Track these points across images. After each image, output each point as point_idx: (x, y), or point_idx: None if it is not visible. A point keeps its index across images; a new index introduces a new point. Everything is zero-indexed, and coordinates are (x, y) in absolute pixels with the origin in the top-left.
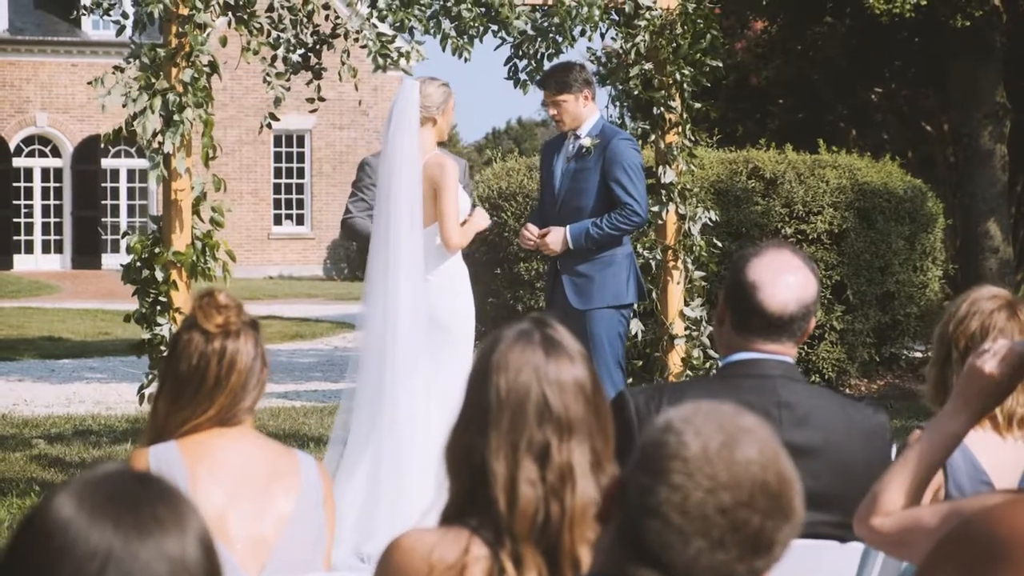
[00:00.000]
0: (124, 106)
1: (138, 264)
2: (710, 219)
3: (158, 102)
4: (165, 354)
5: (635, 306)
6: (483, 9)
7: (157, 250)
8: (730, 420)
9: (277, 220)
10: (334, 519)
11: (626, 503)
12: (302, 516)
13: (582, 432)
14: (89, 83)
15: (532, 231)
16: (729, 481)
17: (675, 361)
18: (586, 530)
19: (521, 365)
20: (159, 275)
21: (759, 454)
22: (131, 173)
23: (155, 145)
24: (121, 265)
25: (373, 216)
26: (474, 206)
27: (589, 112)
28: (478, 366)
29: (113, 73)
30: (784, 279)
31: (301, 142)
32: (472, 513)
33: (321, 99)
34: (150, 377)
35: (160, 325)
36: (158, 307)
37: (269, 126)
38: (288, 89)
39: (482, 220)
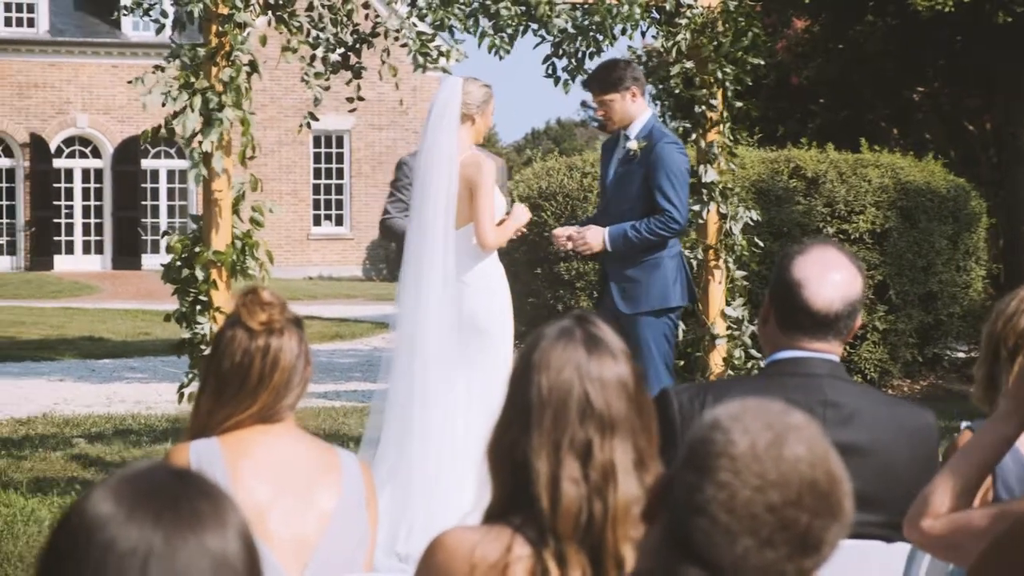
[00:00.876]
0: (163, 105)
1: (178, 263)
2: (751, 218)
3: (198, 101)
4: (208, 352)
5: (684, 308)
6: (522, 8)
7: (197, 249)
8: (778, 418)
9: (316, 221)
10: (376, 518)
11: (672, 501)
12: (344, 515)
13: (624, 430)
14: (129, 82)
15: (562, 232)
16: (777, 479)
17: (716, 361)
18: (629, 528)
19: (563, 363)
20: (199, 274)
21: (808, 452)
22: (171, 174)
23: (194, 144)
24: (161, 265)
25: (409, 215)
26: (512, 204)
27: (638, 109)
28: (520, 364)
29: (153, 73)
30: (830, 277)
31: (340, 143)
32: (515, 512)
33: (360, 99)
34: (190, 376)
35: (200, 324)
36: (198, 306)
37: (308, 126)
38: (327, 89)
39: (522, 216)
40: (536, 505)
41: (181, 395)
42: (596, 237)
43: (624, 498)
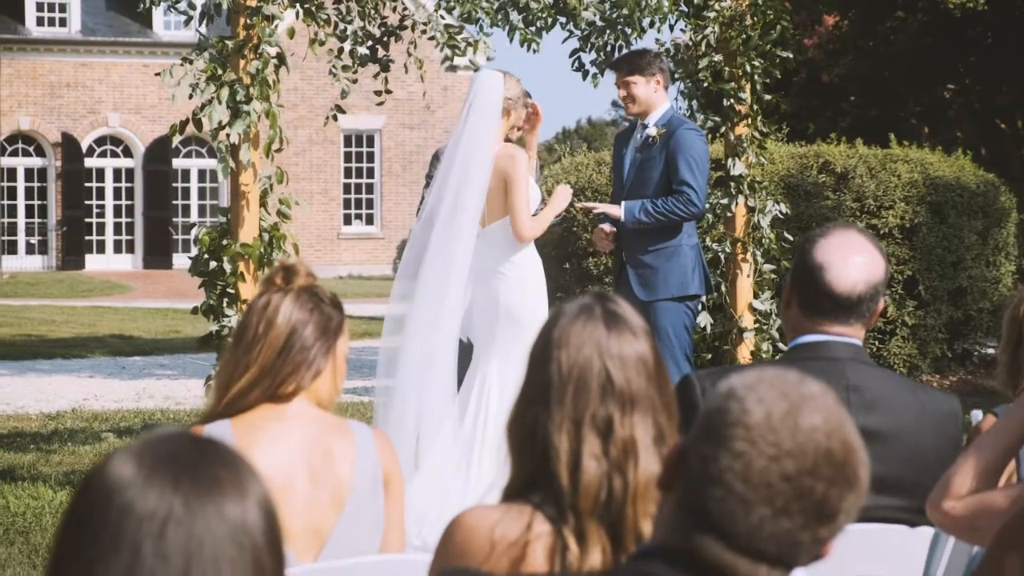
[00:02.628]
0: (190, 97)
1: (206, 256)
2: (781, 212)
3: (225, 93)
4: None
5: (702, 299)
6: (551, 0)
7: (225, 242)
8: (794, 387)
9: (347, 220)
10: (401, 486)
11: (688, 471)
12: (358, 499)
13: (644, 406)
14: (157, 74)
15: (602, 227)
16: (793, 448)
17: (744, 354)
18: (649, 504)
19: (583, 340)
20: (227, 267)
21: (824, 422)
22: (202, 173)
23: (221, 137)
24: (189, 258)
25: (432, 203)
26: (542, 202)
27: (659, 99)
28: (540, 342)
29: (181, 65)
30: (852, 259)
31: (371, 142)
32: (535, 490)
33: (388, 91)
34: (217, 369)
35: (228, 317)
36: (225, 299)
37: (335, 118)
38: (355, 82)
39: (563, 199)
40: (556, 482)
41: (208, 387)
42: (612, 207)
43: (645, 474)
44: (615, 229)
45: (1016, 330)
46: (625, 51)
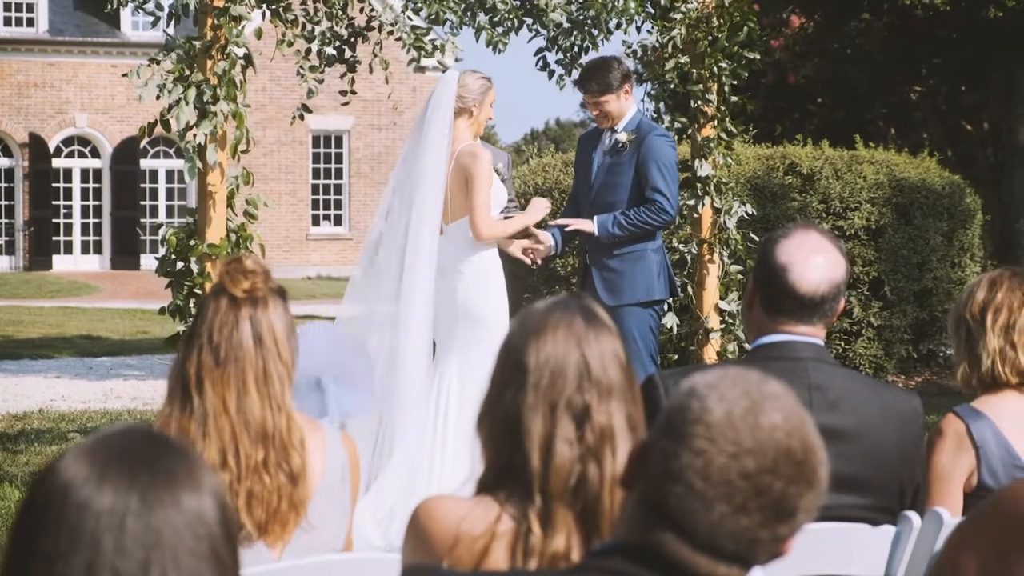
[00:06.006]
0: (158, 98)
1: (172, 257)
2: (747, 212)
3: (192, 93)
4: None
5: (668, 302)
6: (519, 1)
7: (192, 242)
8: (755, 386)
9: (315, 221)
10: (357, 491)
11: (649, 468)
12: (326, 496)
13: (620, 397)
14: (124, 75)
15: (517, 248)
16: (753, 447)
17: (710, 355)
18: None
19: (561, 330)
20: (194, 267)
21: (784, 420)
22: (170, 174)
23: (188, 137)
24: (156, 258)
25: (391, 210)
26: (510, 201)
27: (629, 105)
28: (515, 332)
29: (149, 66)
30: (814, 260)
31: (340, 143)
32: (506, 481)
33: (353, 92)
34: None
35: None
36: (192, 300)
37: (301, 117)
38: (321, 83)
39: (537, 211)
40: (528, 465)
41: None
42: (584, 223)
43: (623, 462)
44: (554, 244)
45: (964, 327)
46: (588, 56)
